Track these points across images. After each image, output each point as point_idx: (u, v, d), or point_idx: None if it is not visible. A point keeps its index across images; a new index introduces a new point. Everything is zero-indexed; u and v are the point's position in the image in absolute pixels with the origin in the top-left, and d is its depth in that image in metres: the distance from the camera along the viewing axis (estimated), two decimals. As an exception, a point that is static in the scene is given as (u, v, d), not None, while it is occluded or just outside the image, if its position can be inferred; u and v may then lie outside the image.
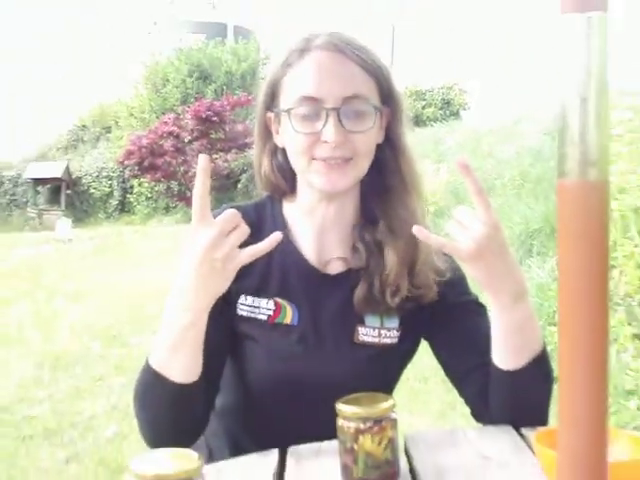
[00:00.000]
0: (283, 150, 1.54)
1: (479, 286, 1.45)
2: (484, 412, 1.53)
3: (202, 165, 1.30)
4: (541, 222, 6.82)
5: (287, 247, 1.55)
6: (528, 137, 8.90)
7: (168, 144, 16.99)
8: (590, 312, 0.74)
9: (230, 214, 1.29)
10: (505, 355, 1.44)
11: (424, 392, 4.48)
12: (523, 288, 1.41)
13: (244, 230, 1.30)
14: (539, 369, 1.46)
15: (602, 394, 0.76)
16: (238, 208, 1.48)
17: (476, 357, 1.52)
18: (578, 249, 0.73)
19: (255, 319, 1.54)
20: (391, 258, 1.52)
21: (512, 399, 1.47)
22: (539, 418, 1.47)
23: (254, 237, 1.43)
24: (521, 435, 1.45)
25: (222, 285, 1.33)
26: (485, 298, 1.48)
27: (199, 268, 1.29)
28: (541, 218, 6.86)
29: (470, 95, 20.48)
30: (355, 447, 1.25)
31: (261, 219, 1.59)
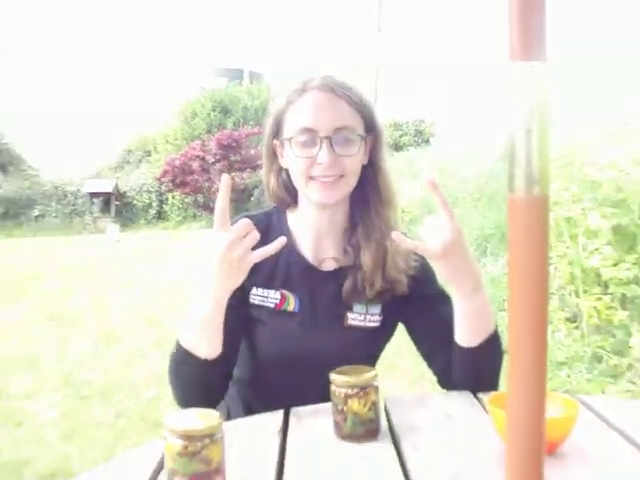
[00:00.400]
0: (287, 170, 1.54)
1: (444, 280, 1.45)
2: (447, 381, 1.54)
3: (225, 182, 1.32)
4: (494, 229, 6.84)
5: (290, 248, 1.55)
6: (484, 161, 8.91)
7: (196, 165, 17.05)
8: (533, 299, 0.74)
9: (244, 223, 1.31)
10: (465, 335, 1.45)
11: (400, 365, 4.49)
12: (480, 281, 1.42)
13: (255, 235, 1.31)
14: (492, 346, 1.46)
15: (542, 365, 0.76)
16: (251, 217, 1.51)
17: (441, 337, 1.52)
18: (524, 249, 0.73)
19: (264, 306, 1.54)
20: (366, 258, 1.53)
21: (471, 371, 1.47)
22: (492, 385, 1.48)
23: (263, 240, 1.44)
24: (477, 398, 1.46)
25: (238, 279, 1.34)
26: (449, 289, 1.49)
27: (219, 266, 1.30)
28: (494, 225, 6.88)
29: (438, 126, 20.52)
30: (345, 409, 1.26)
31: (269, 225, 1.59)
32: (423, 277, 1.57)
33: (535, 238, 0.73)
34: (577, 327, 4.51)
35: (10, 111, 22.48)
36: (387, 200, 1.56)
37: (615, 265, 4.21)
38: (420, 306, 1.58)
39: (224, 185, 1.33)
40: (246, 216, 1.58)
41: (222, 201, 1.32)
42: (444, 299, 1.60)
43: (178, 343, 1.43)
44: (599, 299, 4.39)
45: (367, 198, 1.56)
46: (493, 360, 1.50)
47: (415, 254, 1.52)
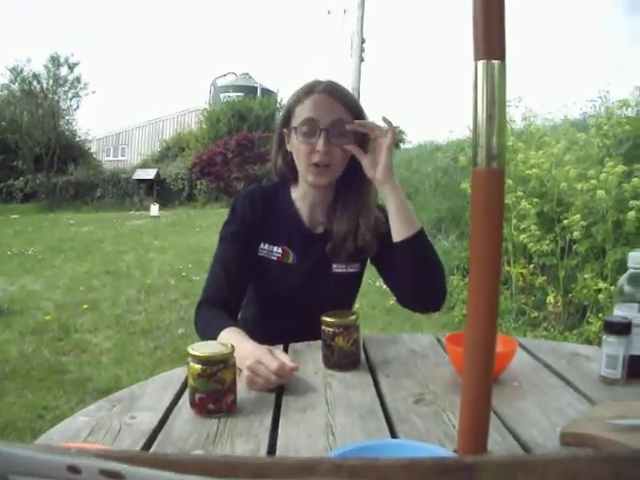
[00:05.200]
0: (291, 153, 1.49)
1: (380, 179, 1.37)
2: (402, 295, 1.46)
3: (293, 367, 1.13)
4: (447, 212, 6.79)
5: (292, 215, 1.51)
6: (440, 160, 8.83)
7: (219, 159, 17.04)
8: (489, 255, 0.69)
9: (290, 372, 1.13)
10: (399, 228, 1.36)
11: (373, 315, 4.47)
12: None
13: (272, 382, 1.11)
14: (423, 239, 1.38)
15: (493, 310, 0.72)
16: (263, 187, 1.53)
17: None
18: (484, 212, 0.68)
19: (269, 259, 1.49)
20: (339, 229, 1.48)
21: (412, 263, 1.39)
22: (434, 278, 1.41)
23: (271, 205, 1.43)
24: (437, 340, 1.43)
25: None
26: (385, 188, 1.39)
27: (240, 361, 1.09)
28: (447, 210, 6.82)
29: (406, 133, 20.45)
30: (332, 344, 1.23)
31: (277, 195, 1.53)
32: (387, 229, 1.49)
33: (493, 203, 0.68)
34: (508, 288, 4.51)
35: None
36: (365, 186, 1.49)
37: (538, 241, 4.19)
38: (385, 249, 1.48)
39: (294, 368, 1.13)
40: (260, 186, 1.56)
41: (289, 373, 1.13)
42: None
43: (198, 307, 1.42)
44: (525, 267, 4.40)
45: (350, 181, 1.50)
46: (427, 252, 1.40)
47: (380, 217, 1.48)
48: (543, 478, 0.23)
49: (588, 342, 3.48)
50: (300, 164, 1.45)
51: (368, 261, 1.57)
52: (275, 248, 1.49)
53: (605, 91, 5.44)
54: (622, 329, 1.10)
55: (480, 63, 0.71)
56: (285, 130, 1.50)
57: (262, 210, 1.49)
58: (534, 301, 4.35)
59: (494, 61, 0.71)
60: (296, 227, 1.51)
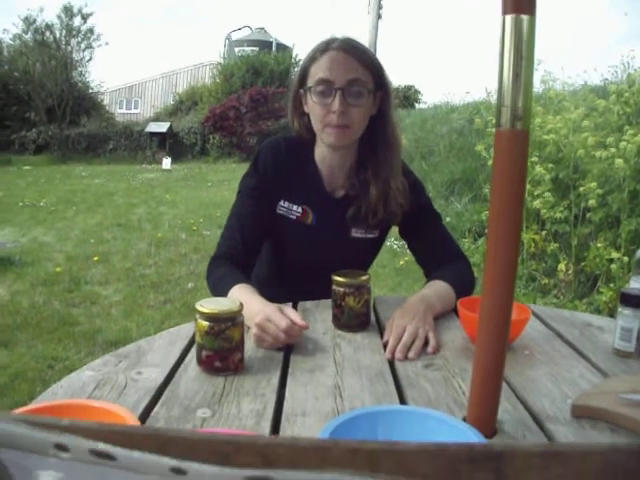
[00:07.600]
0: (308, 115, 1.43)
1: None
2: (430, 276, 1.44)
3: (303, 325, 1.11)
4: (461, 174, 6.72)
5: (313, 175, 1.47)
6: (455, 121, 8.67)
7: (232, 113, 16.93)
8: (509, 219, 0.66)
9: (300, 331, 1.12)
10: None
11: (383, 274, 4.46)
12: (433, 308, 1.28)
13: (281, 340, 1.10)
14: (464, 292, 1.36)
15: (511, 277, 0.69)
16: (287, 140, 1.47)
17: (427, 242, 1.49)
18: (506, 174, 0.65)
19: (288, 217, 1.46)
20: (373, 192, 1.42)
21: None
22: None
23: (295, 161, 1.42)
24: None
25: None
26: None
27: (249, 320, 1.10)
28: (461, 172, 6.75)
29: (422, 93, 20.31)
30: (342, 304, 1.21)
31: (301, 151, 1.47)
32: (415, 190, 1.48)
33: (516, 166, 0.65)
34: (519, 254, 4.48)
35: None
36: (392, 146, 1.44)
37: (551, 208, 4.14)
38: (412, 214, 1.47)
39: (304, 326, 1.11)
40: (285, 138, 1.48)
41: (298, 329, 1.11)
42: (431, 211, 1.52)
43: (211, 261, 1.38)
44: (537, 234, 4.36)
45: (376, 143, 1.44)
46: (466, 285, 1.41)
47: (405, 178, 1.44)
48: (580, 470, 0.21)
49: (598, 312, 3.46)
50: (316, 125, 1.39)
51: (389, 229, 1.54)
52: (295, 207, 1.46)
53: (629, 57, 5.29)
54: (638, 302, 1.07)
55: (508, 17, 0.67)
56: (301, 90, 1.43)
57: (285, 166, 1.44)
58: (545, 268, 4.33)
59: (523, 15, 0.67)
60: (316, 188, 1.47)
